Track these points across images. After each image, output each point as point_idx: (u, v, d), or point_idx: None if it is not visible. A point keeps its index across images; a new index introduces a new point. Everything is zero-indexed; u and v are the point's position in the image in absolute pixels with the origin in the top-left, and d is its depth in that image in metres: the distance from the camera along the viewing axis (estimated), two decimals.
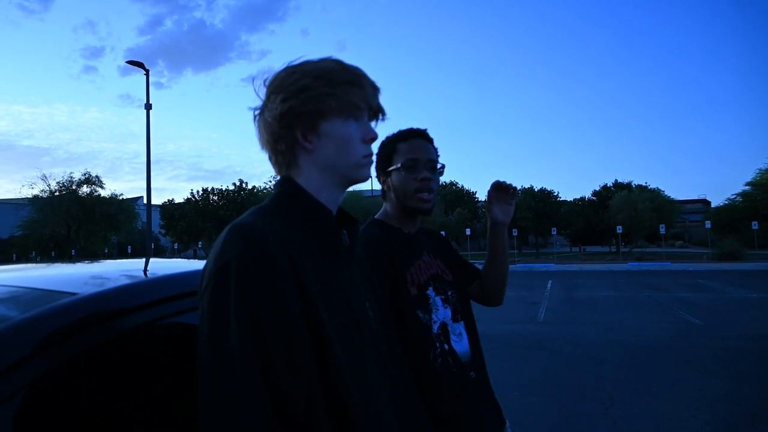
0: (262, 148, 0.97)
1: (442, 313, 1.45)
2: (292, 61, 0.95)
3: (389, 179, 1.48)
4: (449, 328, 1.45)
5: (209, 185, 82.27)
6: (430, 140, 1.51)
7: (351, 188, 1.02)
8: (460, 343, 1.46)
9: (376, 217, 1.55)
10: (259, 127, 0.96)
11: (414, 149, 1.46)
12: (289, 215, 0.90)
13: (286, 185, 0.94)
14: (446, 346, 1.41)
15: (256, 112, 0.96)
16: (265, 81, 0.95)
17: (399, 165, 1.44)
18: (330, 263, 0.90)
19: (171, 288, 1.04)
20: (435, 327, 1.41)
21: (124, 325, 0.90)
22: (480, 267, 1.65)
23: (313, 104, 0.90)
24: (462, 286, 1.58)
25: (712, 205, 55.15)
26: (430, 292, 1.45)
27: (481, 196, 47.53)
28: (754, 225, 27.37)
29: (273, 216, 0.88)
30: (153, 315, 0.96)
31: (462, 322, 1.50)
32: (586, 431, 4.04)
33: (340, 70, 0.93)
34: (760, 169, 39.28)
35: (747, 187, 39.64)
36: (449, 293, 1.50)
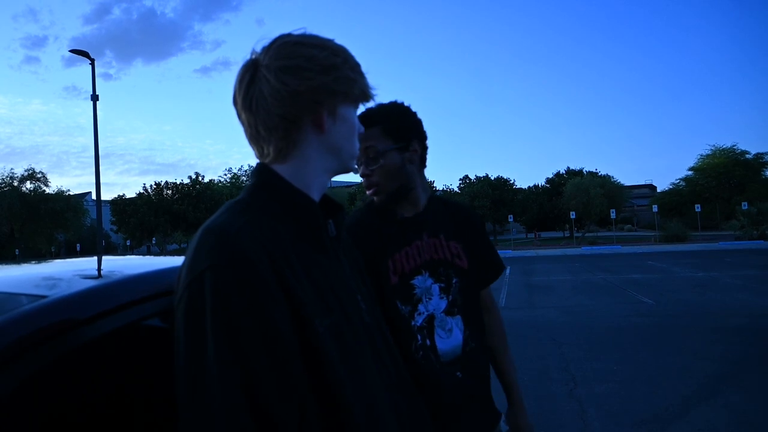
0: (257, 124, 0.85)
1: (434, 303, 1.35)
2: (302, 31, 0.88)
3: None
4: (436, 322, 1.34)
5: (163, 179, 79.91)
6: None
7: None
8: (447, 341, 1.35)
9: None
10: (257, 98, 0.84)
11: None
12: (270, 208, 0.84)
13: (263, 175, 0.88)
14: (428, 341, 1.32)
15: (259, 85, 0.84)
16: (272, 47, 0.85)
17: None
18: (317, 257, 0.85)
19: (142, 289, 0.96)
20: (419, 319, 1.32)
21: (95, 331, 0.82)
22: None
23: (343, 85, 0.87)
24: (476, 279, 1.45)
25: (658, 190, 57.79)
26: (418, 281, 1.34)
27: (438, 184, 48.04)
28: (697, 208, 28.83)
29: (251, 211, 0.81)
30: (127, 318, 0.89)
31: (458, 316, 1.37)
32: (553, 412, 4.14)
33: (354, 57, 0.91)
34: (701, 155, 41.47)
35: (690, 173, 41.73)
36: (454, 281, 1.38)
